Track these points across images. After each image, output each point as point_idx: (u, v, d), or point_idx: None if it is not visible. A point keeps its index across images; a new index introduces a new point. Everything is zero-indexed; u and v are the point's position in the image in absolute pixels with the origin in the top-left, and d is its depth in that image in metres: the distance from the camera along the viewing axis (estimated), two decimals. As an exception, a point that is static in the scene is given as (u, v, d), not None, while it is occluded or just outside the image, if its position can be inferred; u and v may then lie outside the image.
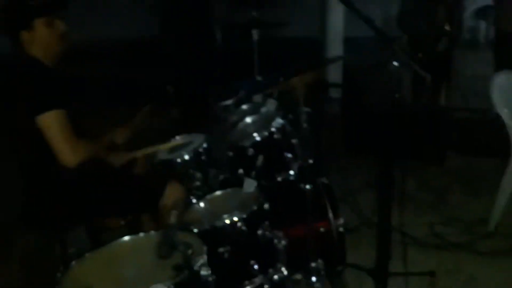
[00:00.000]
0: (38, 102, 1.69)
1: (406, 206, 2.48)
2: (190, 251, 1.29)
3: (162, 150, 2.38)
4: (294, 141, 2.09)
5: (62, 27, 1.82)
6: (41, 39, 1.77)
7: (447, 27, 3.54)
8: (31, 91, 1.72)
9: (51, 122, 1.70)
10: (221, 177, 2.35)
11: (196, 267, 1.34)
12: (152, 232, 1.56)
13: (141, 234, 1.56)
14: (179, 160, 2.22)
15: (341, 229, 2.04)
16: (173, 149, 2.36)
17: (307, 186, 1.79)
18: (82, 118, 1.92)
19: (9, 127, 1.85)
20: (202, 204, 1.93)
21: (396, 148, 1.76)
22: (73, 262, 1.43)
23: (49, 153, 1.75)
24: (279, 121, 2.07)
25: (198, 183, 2.27)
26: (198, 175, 2.26)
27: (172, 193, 1.96)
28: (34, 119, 1.69)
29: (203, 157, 2.28)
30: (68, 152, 1.72)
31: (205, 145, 2.30)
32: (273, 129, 2.01)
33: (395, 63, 1.58)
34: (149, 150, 2.26)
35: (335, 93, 3.71)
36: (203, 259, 1.39)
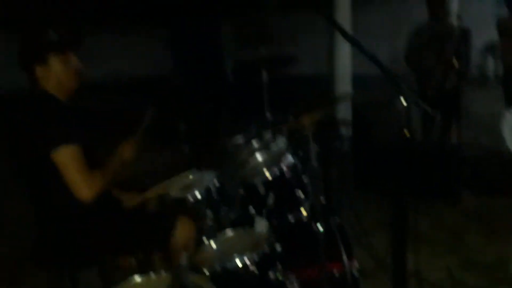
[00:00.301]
0: (53, 138, 1.71)
1: (421, 247, 2.42)
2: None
3: (173, 188, 2.38)
4: (305, 179, 2.07)
5: (76, 64, 1.86)
6: (56, 75, 1.81)
7: (455, 64, 3.57)
8: (46, 127, 1.74)
9: (66, 157, 1.71)
10: (232, 215, 2.33)
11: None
12: (163, 273, 1.53)
13: (152, 275, 1.52)
14: (190, 198, 2.21)
15: (355, 273, 1.98)
16: (185, 187, 2.36)
17: (320, 226, 1.75)
18: (92, 147, 1.93)
19: (23, 163, 1.86)
20: (213, 244, 1.90)
21: (408, 186, 1.73)
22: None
23: (61, 190, 1.76)
24: (289, 158, 2.06)
25: (209, 222, 2.25)
26: (209, 213, 2.24)
27: (183, 230, 1.94)
28: (48, 155, 1.70)
29: (214, 195, 2.27)
30: (84, 186, 1.72)
31: (216, 182, 2.29)
32: (283, 167, 1.99)
33: (403, 102, 1.57)
34: (161, 189, 2.25)
35: (344, 131, 3.72)
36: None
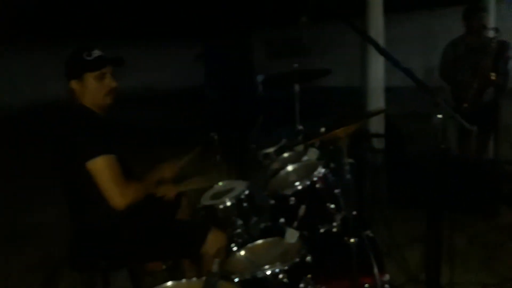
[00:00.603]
0: (89, 149, 1.78)
1: (456, 263, 2.35)
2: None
3: (205, 195, 2.43)
4: (336, 191, 2.07)
5: (111, 83, 1.94)
6: (90, 91, 1.90)
7: (492, 77, 3.48)
8: (82, 138, 1.81)
9: (102, 167, 1.78)
10: (262, 225, 2.36)
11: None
12: (195, 279, 1.56)
13: (184, 281, 1.55)
14: (221, 206, 2.26)
15: (387, 287, 1.96)
16: (216, 195, 2.41)
17: (352, 239, 1.74)
18: (126, 158, 2.00)
19: (62, 170, 1.94)
20: (243, 253, 1.92)
21: (444, 201, 1.70)
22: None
23: (96, 198, 1.82)
24: (321, 170, 2.07)
25: (239, 230, 2.28)
26: (239, 222, 2.28)
27: (214, 240, 1.97)
28: (84, 164, 1.77)
29: (244, 204, 2.30)
30: (118, 195, 1.79)
31: (247, 192, 2.33)
32: (315, 179, 2.00)
33: (439, 116, 1.56)
34: (193, 185, 2.29)
35: (377, 144, 3.68)
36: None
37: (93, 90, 1.90)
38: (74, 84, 1.90)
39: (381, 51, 1.72)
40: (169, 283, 1.53)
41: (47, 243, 3.48)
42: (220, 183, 2.52)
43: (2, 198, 4.88)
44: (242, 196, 2.30)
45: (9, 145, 7.70)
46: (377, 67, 4.32)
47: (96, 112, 1.93)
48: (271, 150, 2.65)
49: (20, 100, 11.90)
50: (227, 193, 2.37)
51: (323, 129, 1.84)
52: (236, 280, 1.65)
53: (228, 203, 2.26)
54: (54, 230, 3.60)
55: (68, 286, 2.80)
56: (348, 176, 1.65)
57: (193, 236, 2.00)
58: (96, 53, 1.91)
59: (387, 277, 1.96)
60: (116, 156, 1.83)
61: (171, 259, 2.17)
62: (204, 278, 1.41)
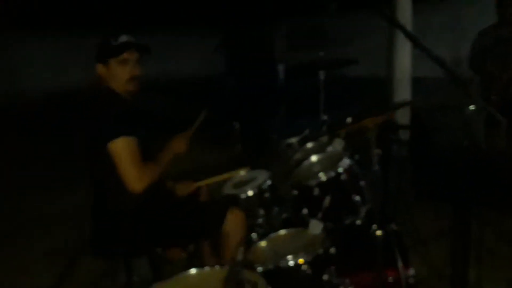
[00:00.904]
0: (112, 129, 1.81)
1: (483, 259, 2.30)
2: (256, 290, 1.28)
3: (226, 185, 2.43)
4: (362, 183, 2.03)
5: (134, 71, 1.96)
6: (113, 76, 1.93)
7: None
8: (107, 118, 1.84)
9: (122, 148, 1.80)
10: (284, 216, 2.34)
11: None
12: (217, 267, 1.56)
13: (207, 268, 1.56)
14: (243, 195, 2.25)
15: (411, 280, 1.93)
16: (238, 184, 2.40)
17: (377, 232, 1.71)
18: (147, 143, 2.00)
19: (86, 154, 1.97)
20: (265, 243, 1.92)
21: (471, 195, 1.65)
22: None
23: (117, 183, 1.85)
24: (346, 161, 2.03)
25: (260, 221, 2.27)
26: (261, 212, 2.27)
27: (233, 219, 1.97)
28: (106, 145, 1.79)
29: (266, 195, 2.29)
30: (135, 177, 1.81)
31: (269, 182, 2.31)
32: (340, 170, 1.97)
33: (472, 107, 1.50)
34: (213, 180, 2.30)
35: (403, 135, 3.61)
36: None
37: (116, 75, 1.93)
38: (100, 68, 1.94)
39: (411, 38, 1.66)
40: (193, 270, 1.54)
41: (69, 229, 3.56)
42: (242, 173, 2.51)
43: (24, 184, 5.01)
44: (264, 186, 2.29)
45: (31, 132, 7.89)
46: (404, 56, 4.21)
47: (121, 95, 1.96)
48: (294, 140, 2.63)
49: (41, 87, 12.13)
50: (249, 183, 2.36)
51: (349, 119, 1.80)
52: (259, 270, 1.64)
53: (250, 193, 2.25)
54: (76, 216, 3.69)
55: (89, 272, 2.86)
56: (376, 167, 1.62)
57: (212, 215, 2.01)
58: (123, 38, 1.94)
59: (411, 271, 1.93)
60: (137, 138, 1.84)
61: (192, 241, 2.18)
62: (227, 266, 1.42)
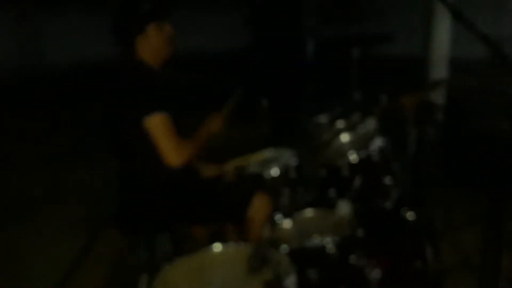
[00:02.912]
0: (148, 104, 1.81)
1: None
2: (281, 269, 1.30)
3: (252, 163, 2.44)
4: (394, 165, 2.01)
5: (170, 30, 1.96)
6: (153, 43, 1.92)
7: None
8: (142, 93, 1.84)
9: (159, 124, 1.81)
10: (310, 196, 2.34)
11: (285, 286, 1.33)
12: (242, 244, 1.59)
13: (232, 245, 1.58)
14: (268, 174, 2.26)
15: (439, 267, 1.92)
16: (263, 163, 2.41)
17: (407, 216, 1.70)
18: (180, 118, 2.02)
19: (114, 127, 2.00)
20: (290, 222, 1.93)
21: (506, 181, 1.61)
22: (165, 265, 1.50)
23: (144, 159, 1.89)
24: (378, 141, 2.00)
25: (285, 200, 2.28)
26: (286, 191, 2.27)
27: (259, 204, 1.99)
28: (140, 121, 1.81)
29: (292, 174, 2.29)
30: (174, 153, 1.83)
31: (295, 161, 2.31)
32: (372, 150, 1.95)
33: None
34: (239, 162, 2.32)
35: (438, 117, 3.53)
36: (292, 278, 1.38)
37: (156, 41, 1.92)
38: (137, 40, 1.91)
39: (453, 11, 1.59)
40: (218, 246, 1.57)
41: (93, 202, 3.65)
42: (269, 152, 2.52)
43: (48, 155, 5.15)
44: (290, 166, 2.28)
45: (54, 104, 8.06)
46: (442, 35, 4.07)
47: (154, 68, 1.96)
48: (324, 119, 2.59)
49: (67, 59, 12.33)
50: (275, 162, 2.36)
51: (385, 97, 1.77)
52: (284, 249, 1.66)
53: (276, 172, 2.26)
54: (98, 189, 3.79)
55: (111, 247, 2.96)
56: (413, 148, 1.59)
57: (238, 199, 2.03)
58: (147, 4, 1.91)
59: (440, 257, 1.92)
60: (171, 114, 1.85)
61: (216, 222, 2.22)
62: (252, 242, 1.43)
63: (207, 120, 2.09)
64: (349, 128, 2.33)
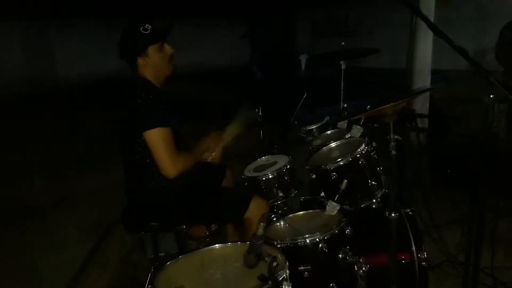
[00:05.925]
0: (149, 119, 1.84)
1: (496, 247, 2.28)
2: (275, 263, 1.32)
3: (248, 168, 2.47)
4: (379, 168, 2.04)
5: (170, 50, 2.01)
6: (154, 63, 1.96)
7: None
8: (143, 108, 1.86)
9: (157, 138, 1.85)
10: (302, 198, 2.38)
11: (279, 280, 1.35)
12: (239, 243, 1.61)
13: (230, 243, 1.61)
14: (263, 178, 2.30)
15: (424, 264, 1.94)
16: (258, 168, 2.44)
17: (392, 215, 1.73)
18: (180, 130, 2.06)
19: (120, 138, 2.03)
20: (283, 222, 1.95)
21: (487, 185, 1.64)
22: (168, 262, 1.52)
23: (148, 165, 1.91)
24: (364, 147, 2.04)
25: (279, 202, 2.31)
26: (280, 194, 2.31)
27: (256, 207, 2.02)
28: (142, 134, 1.84)
29: (286, 178, 2.33)
30: (169, 165, 1.87)
31: (288, 166, 2.34)
32: (358, 155, 1.98)
33: (492, 96, 1.49)
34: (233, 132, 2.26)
35: (421, 124, 3.57)
36: (285, 273, 1.40)
37: (157, 62, 1.96)
38: (140, 61, 1.94)
39: (433, 28, 1.64)
40: (217, 245, 1.59)
41: (100, 206, 3.68)
42: (264, 157, 2.56)
43: (60, 163, 5.18)
44: (284, 170, 2.32)
45: (67, 114, 8.11)
46: (425, 49, 4.14)
47: (155, 84, 1.99)
48: (313, 126, 2.64)
49: (78, 73, 12.40)
50: (270, 167, 2.40)
51: (368, 106, 1.80)
52: (277, 245, 1.68)
53: (270, 176, 2.29)
54: (106, 194, 3.81)
55: (118, 246, 2.97)
56: (394, 153, 1.62)
57: (236, 203, 2.06)
58: (149, 26, 1.94)
59: (424, 255, 1.94)
60: (171, 128, 1.89)
61: (215, 222, 2.25)
62: (248, 241, 1.45)
63: (207, 138, 2.14)
64: (337, 136, 2.38)
